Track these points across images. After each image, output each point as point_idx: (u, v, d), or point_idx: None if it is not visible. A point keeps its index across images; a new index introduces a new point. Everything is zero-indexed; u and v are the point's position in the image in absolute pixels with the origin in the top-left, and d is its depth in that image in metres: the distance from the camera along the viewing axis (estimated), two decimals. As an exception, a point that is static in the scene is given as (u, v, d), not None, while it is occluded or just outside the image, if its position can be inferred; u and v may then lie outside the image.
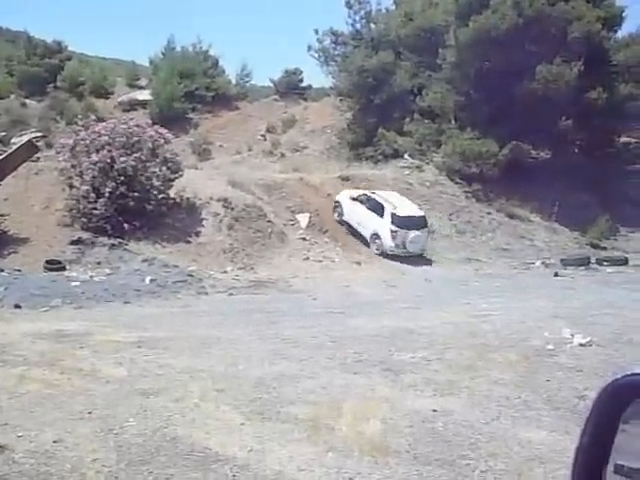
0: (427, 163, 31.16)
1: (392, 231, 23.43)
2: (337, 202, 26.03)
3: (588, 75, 28.19)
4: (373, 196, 24.62)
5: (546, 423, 6.78)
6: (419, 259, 23.71)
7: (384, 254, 23.63)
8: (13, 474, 5.25)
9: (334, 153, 32.39)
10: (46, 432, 6.18)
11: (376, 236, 23.99)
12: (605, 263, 25.36)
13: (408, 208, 24.54)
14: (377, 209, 24.06)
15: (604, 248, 27.84)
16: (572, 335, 10.84)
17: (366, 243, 24.50)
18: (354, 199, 25.25)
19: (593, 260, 25.66)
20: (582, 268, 24.51)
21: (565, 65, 28.20)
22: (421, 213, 24.59)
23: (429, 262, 23.76)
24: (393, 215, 23.56)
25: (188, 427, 6.42)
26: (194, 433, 6.25)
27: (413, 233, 23.52)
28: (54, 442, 5.93)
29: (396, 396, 7.59)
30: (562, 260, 25.28)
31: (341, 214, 25.58)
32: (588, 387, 7.92)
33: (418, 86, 34.02)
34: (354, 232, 25.05)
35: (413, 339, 10.91)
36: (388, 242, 23.56)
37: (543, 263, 25.38)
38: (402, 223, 23.48)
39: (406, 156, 31.72)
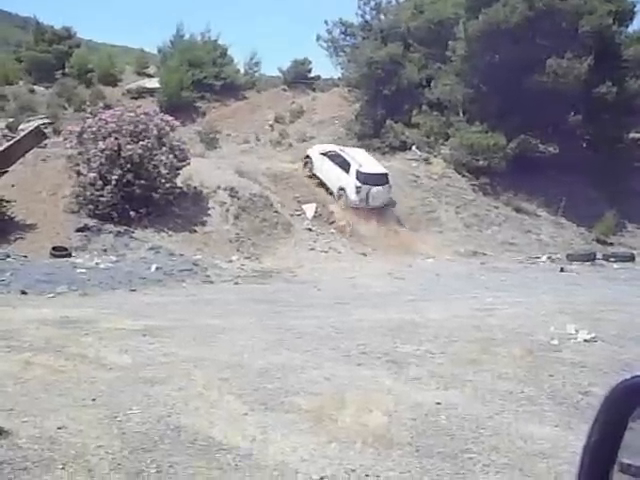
0: (435, 156, 31.06)
1: (356, 187, 25.06)
2: (308, 157, 27.79)
3: (598, 70, 28.06)
4: (341, 153, 26.40)
5: (549, 418, 6.77)
6: (424, 251, 23.68)
7: (349, 208, 25.26)
8: (17, 459, 5.27)
9: (341, 144, 32.30)
10: (50, 418, 6.20)
11: (342, 191, 25.63)
12: (611, 259, 25.28)
13: (372, 165, 26.37)
14: (344, 165, 25.72)
15: (611, 244, 27.77)
16: (577, 331, 10.82)
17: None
18: (323, 154, 27.00)
19: (599, 256, 25.59)
20: (588, 264, 24.46)
21: (575, 59, 28.06)
22: (384, 170, 26.38)
23: (434, 255, 23.73)
24: (358, 172, 25.22)
25: (192, 416, 6.44)
26: (197, 422, 6.26)
27: (375, 189, 25.29)
28: (58, 428, 5.95)
29: (400, 388, 7.59)
30: (568, 255, 25.23)
31: (311, 168, 27.19)
32: (592, 383, 7.92)
33: (427, 78, 33.90)
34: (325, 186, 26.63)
35: (418, 332, 10.91)
36: (353, 196, 25.22)
37: (549, 258, 25.35)
38: (366, 179, 25.17)
39: (414, 148, 31.63)
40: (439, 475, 5.27)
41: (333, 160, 26.31)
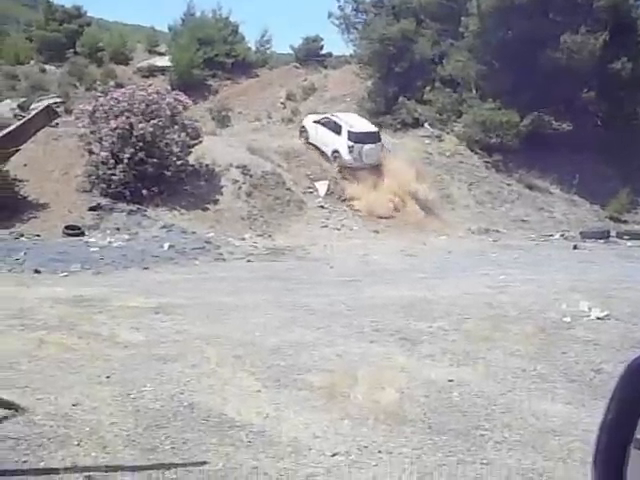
0: (447, 133, 30.89)
1: (349, 146, 25.88)
2: (303, 127, 28.71)
3: (613, 45, 27.75)
4: (332, 118, 27.58)
5: (561, 396, 6.77)
6: (436, 229, 23.61)
7: (344, 167, 26.08)
8: (33, 435, 5.31)
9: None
10: (65, 395, 6.24)
11: (336, 152, 26.32)
12: (625, 237, 25.14)
13: (363, 125, 27.50)
14: (336, 129, 26.60)
15: (624, 221, 27.60)
16: (590, 308, 10.77)
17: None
18: (316, 122, 27.90)
19: (613, 233, 25.45)
20: (602, 241, 24.35)
21: (590, 35, 27.75)
22: (375, 129, 27.54)
23: (446, 233, 23.66)
24: (349, 132, 26.10)
25: (205, 393, 6.47)
26: (211, 399, 6.29)
27: (367, 147, 26.08)
28: (73, 405, 5.99)
29: (412, 365, 7.60)
30: (581, 233, 25.11)
31: (307, 137, 27.90)
32: (605, 360, 7.90)
33: (439, 55, 33.64)
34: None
35: (430, 309, 10.90)
36: (346, 156, 25.99)
37: (562, 235, 25.24)
38: (357, 138, 26.07)
39: (426, 125, 31.48)
40: (451, 452, 5.28)
41: (326, 126, 27.17)
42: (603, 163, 28.08)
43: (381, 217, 24.17)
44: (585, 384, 7.15)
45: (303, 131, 28.42)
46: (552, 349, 8.49)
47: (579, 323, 10.01)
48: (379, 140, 26.79)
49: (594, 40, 27.68)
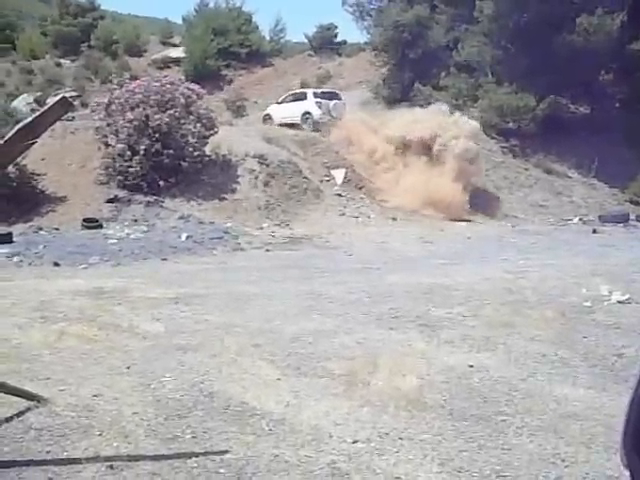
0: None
1: (317, 102, 29.39)
2: (267, 114, 31.58)
3: (631, 26, 27.50)
4: (295, 91, 32.22)
5: (583, 380, 6.72)
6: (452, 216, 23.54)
7: (315, 125, 28.70)
8: (56, 426, 5.35)
9: (369, 108, 32.07)
10: (86, 386, 6.27)
11: (307, 113, 29.26)
12: (645, 220, 25.00)
13: (325, 88, 33.13)
14: (301, 96, 30.31)
15: (644, 205, 27.41)
16: (610, 292, 10.70)
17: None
18: (280, 103, 31.31)
19: (632, 217, 25.29)
20: (621, 225, 24.20)
21: (607, 16, 27.52)
22: (336, 90, 32.95)
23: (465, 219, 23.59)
24: (314, 93, 30.39)
25: (225, 382, 6.48)
26: (231, 388, 6.30)
27: (333, 102, 29.71)
28: (94, 396, 6.02)
29: (432, 352, 7.58)
30: (600, 217, 24.98)
31: (272, 121, 30.62)
32: (626, 345, 7.84)
33: (454, 40, 33.55)
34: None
35: (449, 295, 10.87)
36: (316, 113, 29.07)
37: (581, 220, 25.12)
38: (323, 96, 30.15)
39: (442, 106, 31.33)
40: (472, 437, 5.26)
41: (292, 99, 30.87)
42: (622, 146, 27.85)
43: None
44: (607, 368, 7.10)
45: (268, 118, 31.13)
46: (573, 334, 8.44)
47: (599, 307, 9.94)
48: (341, 98, 30.74)
49: (611, 21, 27.44)
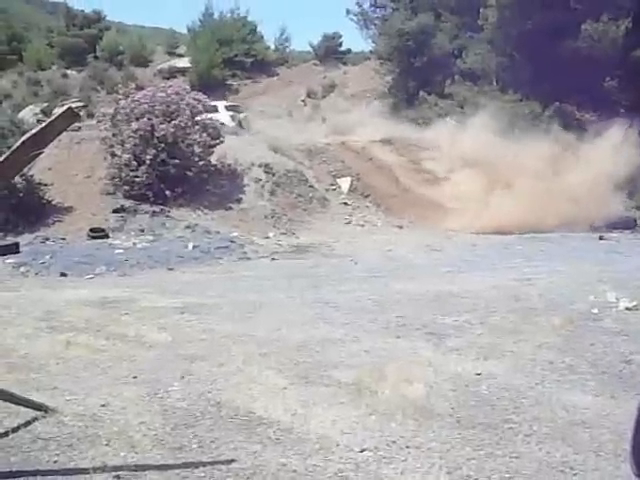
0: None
1: (230, 115, 32.22)
2: None
3: (635, 33, 27.45)
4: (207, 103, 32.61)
5: (591, 387, 6.69)
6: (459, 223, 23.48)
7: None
8: (63, 436, 5.35)
9: (375, 117, 32.10)
10: (93, 396, 6.27)
11: (222, 124, 28.90)
12: (653, 227, 24.91)
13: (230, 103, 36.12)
14: (213, 109, 29.76)
15: (651, 211, 27.30)
16: (617, 299, 10.65)
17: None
18: None
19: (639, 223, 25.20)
20: (628, 232, 24.12)
21: (611, 23, 27.51)
22: (235, 103, 36.54)
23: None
24: (225, 106, 33.36)
25: (232, 391, 6.47)
26: (238, 397, 6.29)
27: (243, 114, 33.65)
28: (101, 406, 6.02)
29: (439, 360, 7.56)
30: (607, 223, 24.88)
31: None
32: (634, 351, 7.80)
33: (459, 48, 33.61)
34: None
35: (456, 303, 10.85)
36: (230, 123, 30.67)
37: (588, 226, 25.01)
38: (231, 108, 33.73)
39: (447, 119, 31.37)
40: (480, 446, 5.24)
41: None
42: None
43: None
44: (615, 375, 7.07)
45: None
46: (580, 341, 8.41)
47: (607, 314, 9.90)
48: (243, 111, 34.76)
49: (615, 28, 27.44)
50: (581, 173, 23.86)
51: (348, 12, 42.28)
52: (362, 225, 23.08)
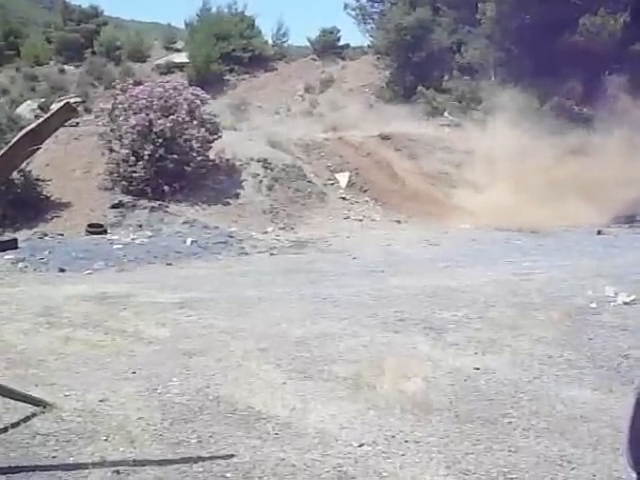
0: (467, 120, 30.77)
1: None
2: None
3: (634, 26, 27.44)
4: None
5: (589, 382, 6.71)
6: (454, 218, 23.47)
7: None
8: (62, 431, 5.36)
9: (373, 112, 32.08)
10: (92, 391, 6.28)
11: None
12: (651, 221, 24.86)
13: None
14: None
15: (650, 205, 27.28)
16: (616, 293, 10.67)
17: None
18: None
19: (638, 218, 25.17)
20: (626, 226, 24.09)
21: (610, 16, 27.45)
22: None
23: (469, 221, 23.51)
24: None
25: (231, 386, 6.48)
26: (236, 392, 6.30)
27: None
28: (100, 401, 6.03)
29: (438, 354, 7.57)
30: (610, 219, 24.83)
31: None
32: (632, 346, 7.82)
33: (457, 42, 33.54)
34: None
35: (455, 297, 10.86)
36: None
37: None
38: None
39: (446, 114, 31.36)
40: (479, 440, 5.26)
41: None
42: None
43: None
44: (613, 370, 7.08)
45: None
46: (579, 335, 8.43)
47: (605, 308, 9.92)
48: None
49: (614, 22, 27.39)
50: (580, 167, 23.84)
51: (346, 7, 42.23)
52: (360, 220, 23.04)
